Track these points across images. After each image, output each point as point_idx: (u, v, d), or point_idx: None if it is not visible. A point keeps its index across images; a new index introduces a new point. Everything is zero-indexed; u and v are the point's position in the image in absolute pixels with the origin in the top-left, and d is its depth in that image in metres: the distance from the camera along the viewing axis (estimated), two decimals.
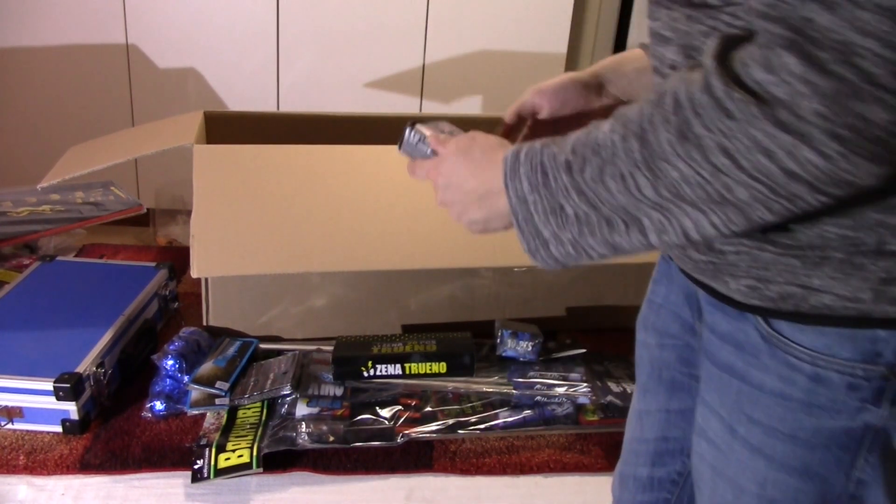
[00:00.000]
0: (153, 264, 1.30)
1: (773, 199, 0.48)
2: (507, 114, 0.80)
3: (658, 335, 0.77)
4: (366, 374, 1.08)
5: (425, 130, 0.73)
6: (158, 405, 1.03)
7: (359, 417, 1.02)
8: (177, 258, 1.45)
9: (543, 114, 0.79)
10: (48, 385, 0.96)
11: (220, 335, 1.18)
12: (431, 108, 2.73)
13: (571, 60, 2.88)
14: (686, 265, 0.65)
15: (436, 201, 0.68)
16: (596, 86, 0.79)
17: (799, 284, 0.55)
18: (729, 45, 0.49)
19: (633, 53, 0.79)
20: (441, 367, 1.09)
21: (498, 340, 1.16)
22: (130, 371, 1.11)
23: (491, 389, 1.09)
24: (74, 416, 0.98)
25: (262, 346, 1.18)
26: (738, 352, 0.61)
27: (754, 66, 0.46)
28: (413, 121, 0.75)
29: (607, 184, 0.54)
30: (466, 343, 1.12)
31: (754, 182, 0.47)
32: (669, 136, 0.49)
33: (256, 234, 1.11)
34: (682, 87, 0.50)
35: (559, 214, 0.57)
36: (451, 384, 1.10)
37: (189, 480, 0.93)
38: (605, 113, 0.79)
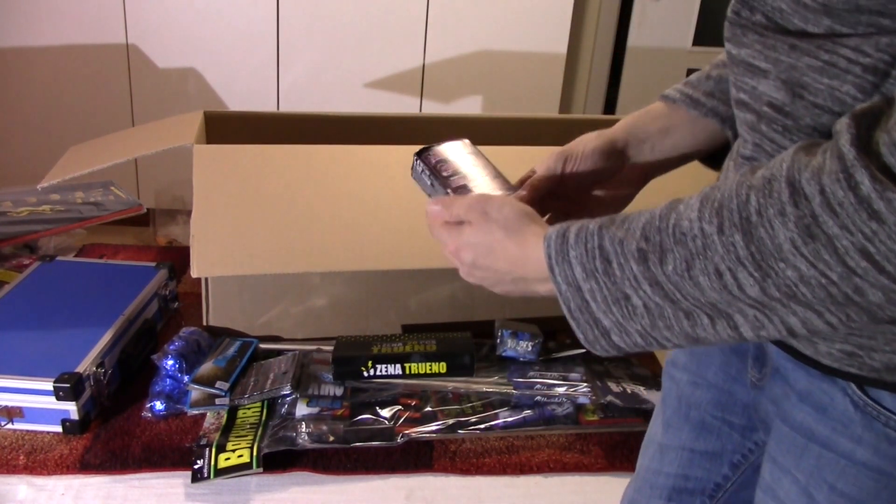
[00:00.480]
0: (153, 264, 1.30)
1: None
2: (532, 182, 0.69)
3: (691, 374, 0.73)
4: (366, 374, 1.08)
5: (432, 167, 0.68)
6: (158, 405, 1.03)
7: (359, 417, 1.02)
8: (177, 258, 1.45)
9: (565, 181, 0.70)
10: (48, 385, 0.96)
11: (220, 335, 1.18)
12: (431, 108, 2.73)
13: (571, 60, 2.88)
14: None
15: (460, 273, 0.62)
16: (618, 152, 0.72)
17: None
18: (866, 123, 0.41)
19: (655, 111, 0.72)
20: (441, 367, 1.09)
21: (498, 340, 1.16)
22: (130, 371, 1.11)
23: (491, 389, 1.09)
24: (74, 416, 0.98)
25: (262, 346, 1.18)
26: (820, 416, 0.56)
27: None
28: (423, 149, 0.70)
29: (696, 279, 0.46)
30: (466, 343, 1.12)
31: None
32: (790, 233, 0.42)
33: (256, 234, 1.11)
34: (804, 176, 0.42)
35: (624, 305, 0.50)
36: (451, 384, 1.10)
37: (189, 480, 0.93)
38: (629, 178, 0.72)
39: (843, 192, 0.40)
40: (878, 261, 0.40)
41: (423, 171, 0.69)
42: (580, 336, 0.54)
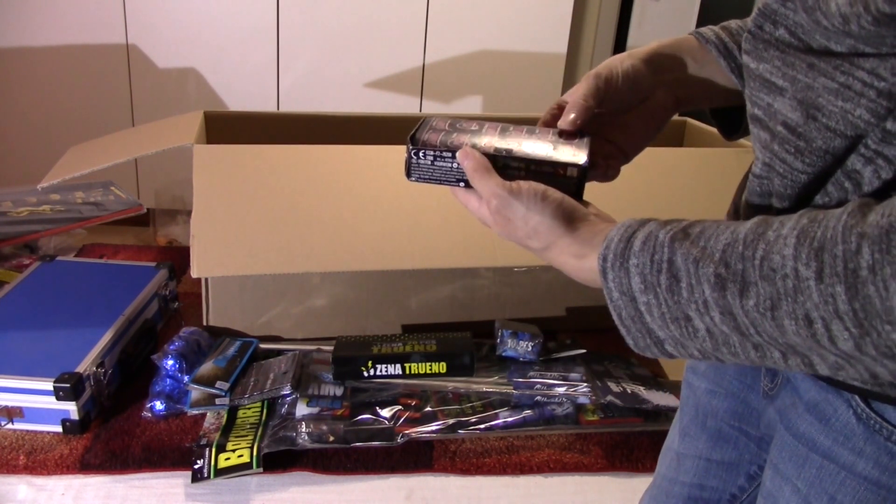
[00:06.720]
0: (153, 264, 1.30)
1: None
2: (569, 117, 0.61)
3: (709, 381, 0.72)
4: (366, 374, 1.08)
5: (437, 142, 0.58)
6: (158, 405, 1.03)
7: (359, 417, 1.02)
8: (177, 258, 1.45)
9: (602, 106, 0.63)
10: (48, 385, 0.96)
11: (220, 335, 1.18)
12: (431, 107, 2.73)
13: (571, 60, 2.88)
14: None
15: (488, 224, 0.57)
16: (651, 72, 0.64)
17: None
18: None
19: (687, 42, 0.66)
20: (441, 367, 1.09)
21: (498, 340, 1.16)
22: (130, 371, 1.11)
23: (491, 389, 1.09)
24: (74, 416, 0.98)
25: (262, 346, 1.18)
26: (823, 426, 0.55)
27: None
28: (412, 137, 0.59)
29: (780, 321, 0.42)
30: (466, 343, 1.12)
31: None
32: None
33: (256, 234, 1.11)
34: None
35: (684, 325, 0.46)
36: (451, 384, 1.09)
37: (189, 480, 0.93)
38: (662, 103, 0.66)
39: None
40: None
41: (437, 158, 0.58)
42: (630, 342, 0.50)
